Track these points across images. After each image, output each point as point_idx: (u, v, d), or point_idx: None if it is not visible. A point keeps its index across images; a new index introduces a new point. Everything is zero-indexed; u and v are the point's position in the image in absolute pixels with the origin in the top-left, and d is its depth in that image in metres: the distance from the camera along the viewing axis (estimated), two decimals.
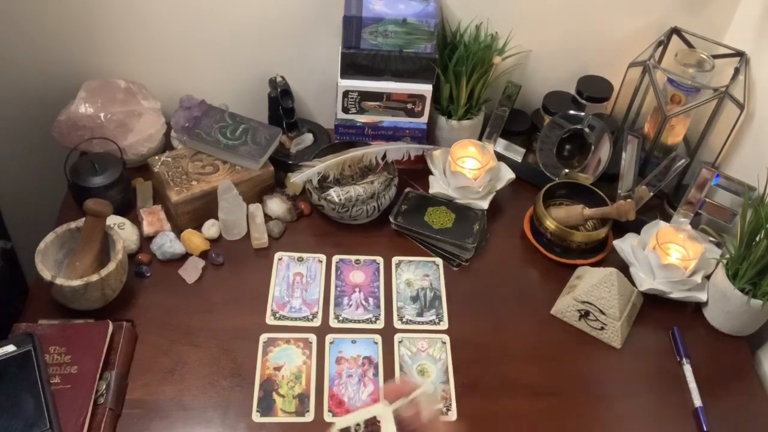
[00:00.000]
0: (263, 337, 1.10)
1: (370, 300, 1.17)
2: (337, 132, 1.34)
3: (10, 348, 0.96)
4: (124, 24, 1.29)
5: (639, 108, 1.39)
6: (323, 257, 1.22)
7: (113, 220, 1.16)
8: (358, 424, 0.79)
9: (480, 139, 1.39)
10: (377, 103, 1.30)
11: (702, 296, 1.17)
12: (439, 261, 1.24)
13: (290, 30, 1.32)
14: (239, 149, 1.23)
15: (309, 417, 1.01)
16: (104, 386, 0.97)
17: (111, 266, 1.04)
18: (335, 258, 1.22)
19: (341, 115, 1.31)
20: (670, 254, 1.18)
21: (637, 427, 1.05)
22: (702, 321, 1.18)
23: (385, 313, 1.15)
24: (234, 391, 1.03)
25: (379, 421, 0.77)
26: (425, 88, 1.28)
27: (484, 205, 1.30)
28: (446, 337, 1.12)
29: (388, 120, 1.32)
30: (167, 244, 1.17)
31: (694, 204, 1.25)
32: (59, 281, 1.01)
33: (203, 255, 1.20)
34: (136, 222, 1.22)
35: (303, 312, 1.14)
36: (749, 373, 1.13)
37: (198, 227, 1.22)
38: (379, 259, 1.23)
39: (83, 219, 1.08)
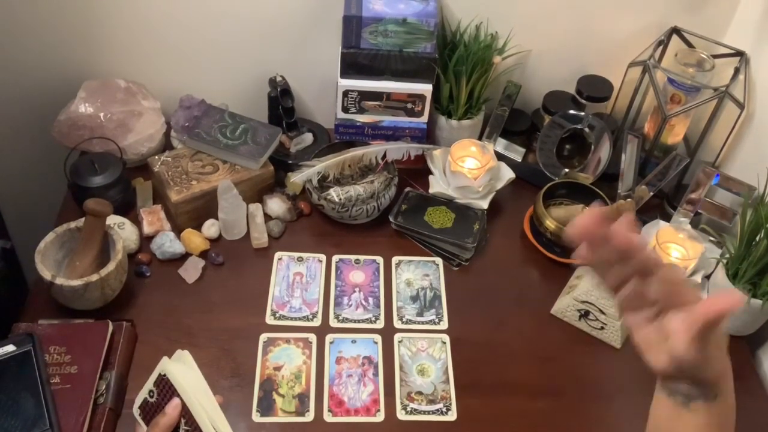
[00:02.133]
0: (263, 336, 1.10)
1: (370, 300, 1.17)
2: (337, 131, 1.34)
3: (10, 348, 0.96)
4: (124, 24, 1.29)
5: (639, 108, 1.39)
6: (323, 257, 1.22)
7: (113, 219, 1.16)
8: (150, 391, 0.79)
9: (480, 138, 1.39)
10: (377, 103, 1.30)
11: (702, 296, 1.17)
12: (439, 261, 1.24)
13: (290, 30, 1.32)
14: (239, 149, 1.23)
15: (309, 417, 1.01)
16: (104, 386, 0.97)
17: (111, 266, 1.04)
18: (335, 258, 1.22)
19: (341, 115, 1.31)
20: (670, 254, 1.18)
21: (637, 427, 1.04)
22: None
23: (385, 312, 1.15)
24: (234, 391, 1.03)
25: (165, 375, 0.78)
26: (425, 88, 1.28)
27: (484, 204, 1.30)
28: (446, 337, 1.12)
29: (388, 120, 1.32)
30: (167, 243, 1.17)
31: (694, 204, 1.25)
32: (59, 281, 1.01)
33: (203, 255, 1.20)
34: (136, 222, 1.22)
35: (303, 312, 1.14)
36: (749, 373, 1.13)
37: (198, 227, 1.22)
38: (379, 259, 1.23)
39: (83, 219, 1.08)
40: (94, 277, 1.02)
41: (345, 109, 1.30)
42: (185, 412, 0.76)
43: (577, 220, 0.60)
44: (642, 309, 0.65)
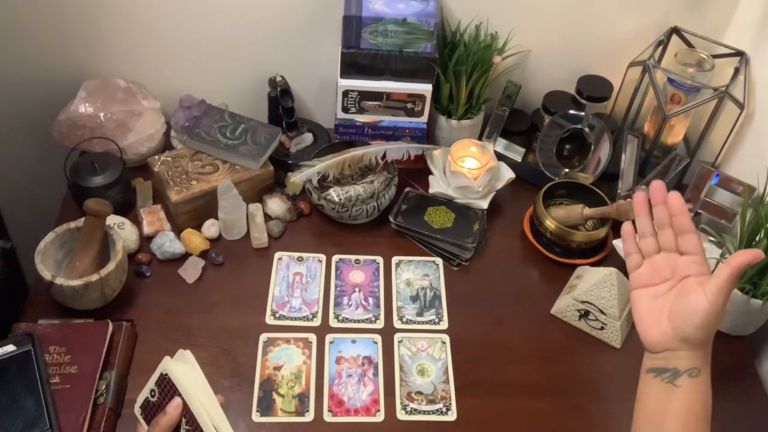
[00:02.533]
0: (263, 336, 1.10)
1: (370, 300, 1.17)
2: (337, 131, 1.34)
3: (10, 348, 0.96)
4: (124, 24, 1.29)
5: (639, 108, 1.39)
6: (323, 257, 1.22)
7: (113, 219, 1.16)
8: (152, 390, 0.80)
9: (480, 138, 1.39)
10: (377, 103, 1.30)
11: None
12: (438, 261, 1.24)
13: (290, 30, 1.32)
14: (239, 149, 1.23)
15: (309, 417, 1.01)
16: (104, 386, 0.97)
17: (111, 266, 1.04)
18: (335, 258, 1.22)
19: (341, 115, 1.31)
20: None
21: None
22: None
23: (384, 312, 1.15)
24: (234, 391, 1.03)
25: (166, 374, 0.78)
26: (425, 88, 1.28)
27: (484, 204, 1.30)
28: (446, 337, 1.12)
29: (388, 120, 1.32)
30: (167, 243, 1.17)
31: (694, 204, 1.25)
32: (59, 281, 1.01)
33: (203, 255, 1.20)
34: (136, 222, 1.22)
35: (303, 312, 1.14)
36: (749, 373, 1.13)
37: (198, 227, 1.22)
38: (379, 259, 1.23)
39: (83, 219, 1.08)
40: (94, 277, 1.02)
41: (345, 109, 1.30)
42: (186, 412, 0.77)
43: (653, 185, 0.80)
44: (652, 286, 0.80)
